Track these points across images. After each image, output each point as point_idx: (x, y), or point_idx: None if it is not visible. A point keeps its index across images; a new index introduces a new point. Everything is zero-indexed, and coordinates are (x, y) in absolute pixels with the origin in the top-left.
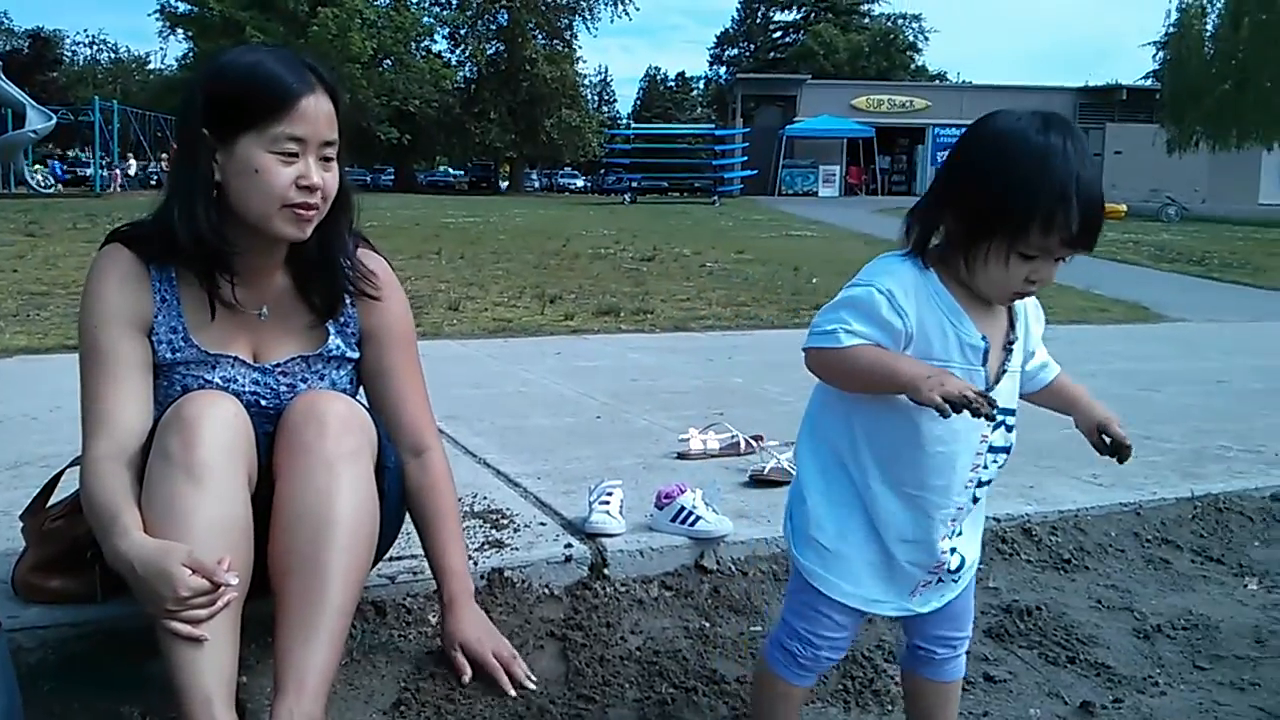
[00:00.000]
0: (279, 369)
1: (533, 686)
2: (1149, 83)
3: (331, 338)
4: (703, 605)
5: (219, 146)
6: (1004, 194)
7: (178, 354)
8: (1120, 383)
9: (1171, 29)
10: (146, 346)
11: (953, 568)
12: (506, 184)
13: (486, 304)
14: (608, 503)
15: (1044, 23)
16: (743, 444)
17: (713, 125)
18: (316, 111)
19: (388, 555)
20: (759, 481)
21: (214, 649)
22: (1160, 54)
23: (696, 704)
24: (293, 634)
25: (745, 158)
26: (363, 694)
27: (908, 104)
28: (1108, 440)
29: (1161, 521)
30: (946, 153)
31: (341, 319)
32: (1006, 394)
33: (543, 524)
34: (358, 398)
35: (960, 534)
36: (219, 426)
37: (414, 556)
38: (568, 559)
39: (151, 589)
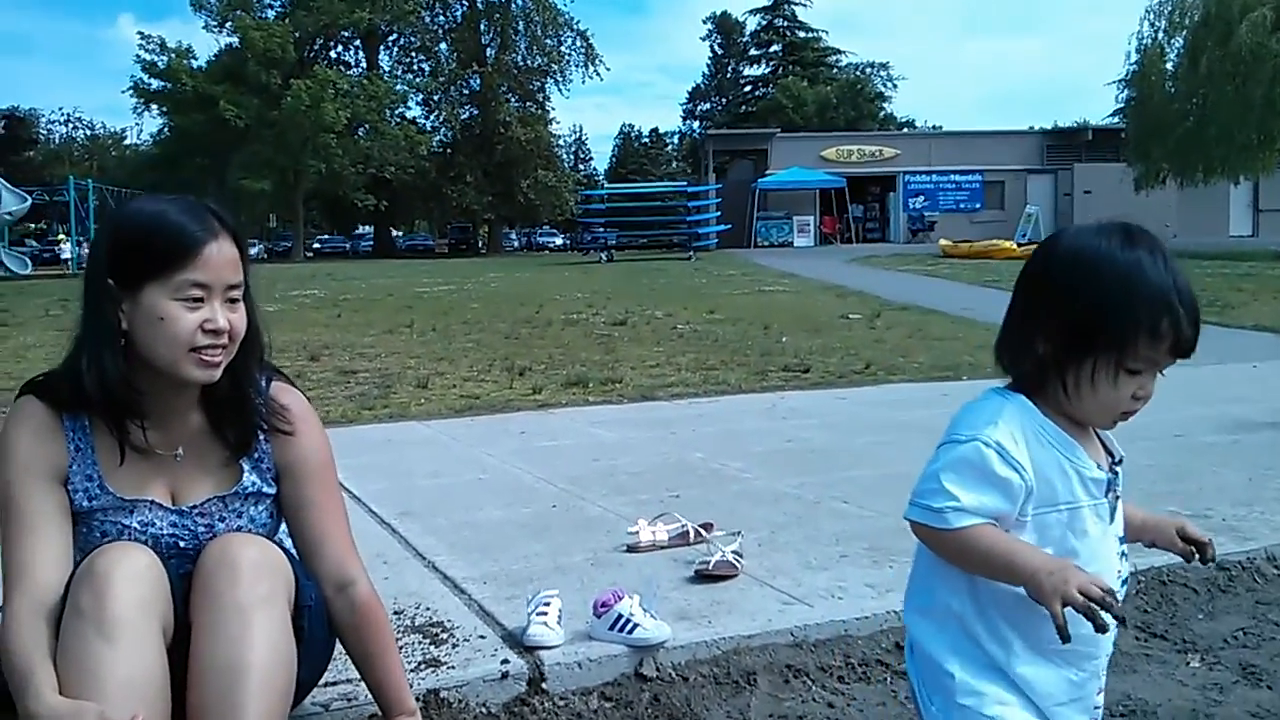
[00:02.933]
0: (196, 510)
1: None
2: (1115, 121)
3: (246, 474)
4: (642, 715)
5: (124, 296)
6: (1108, 308)
7: (94, 501)
8: None
9: (1133, 68)
10: (63, 496)
11: (1098, 704)
12: (485, 245)
13: (455, 379)
14: (545, 613)
15: (1010, 66)
16: (691, 534)
17: (686, 181)
18: (220, 257)
19: (321, 682)
20: (704, 577)
21: None
22: (1124, 93)
23: None
24: None
25: (719, 212)
26: None
27: (877, 153)
28: (1190, 544)
29: None
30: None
31: (256, 455)
32: (1121, 521)
33: (482, 637)
34: (279, 534)
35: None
36: (131, 581)
37: (348, 682)
38: (504, 675)
39: None
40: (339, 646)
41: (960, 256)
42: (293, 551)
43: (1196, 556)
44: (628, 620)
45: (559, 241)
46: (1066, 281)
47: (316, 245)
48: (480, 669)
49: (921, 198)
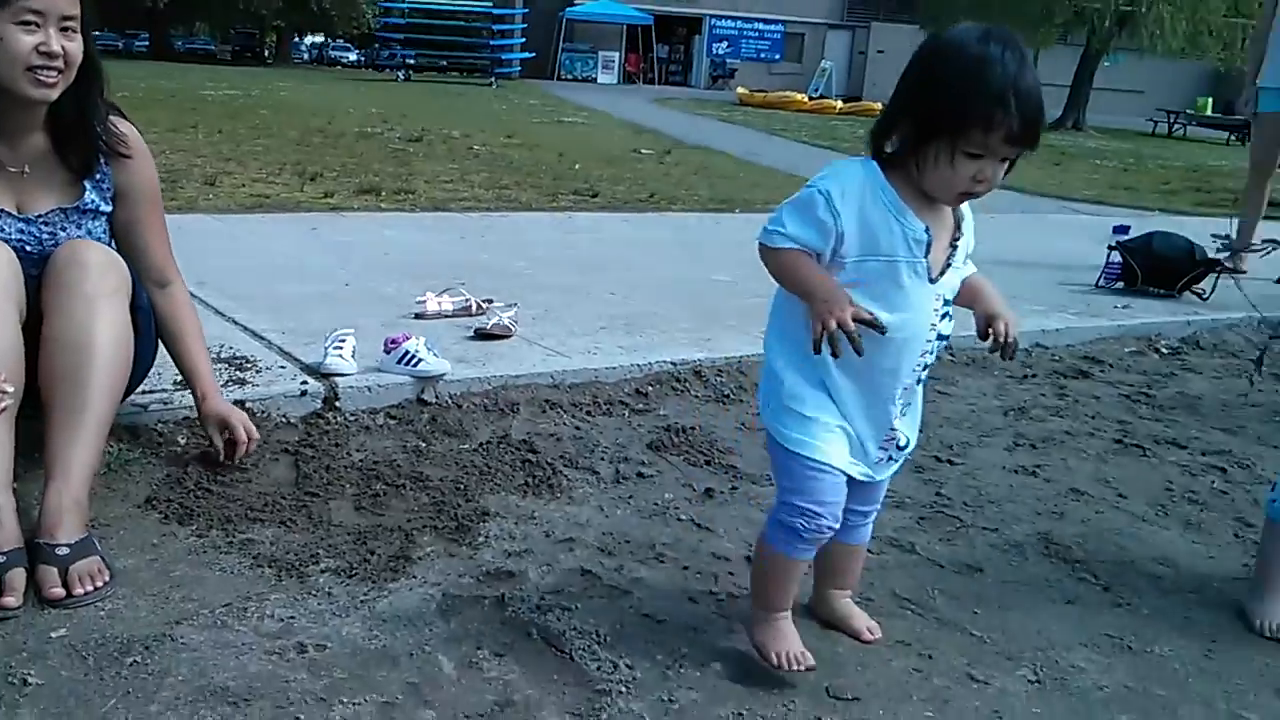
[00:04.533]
0: (41, 219)
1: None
2: None
3: (88, 193)
4: (421, 430)
5: None
6: (948, 96)
7: None
8: None
9: None
10: None
11: (901, 444)
12: (273, 55)
13: (244, 180)
14: (341, 347)
15: None
16: (474, 306)
17: (490, 3)
18: None
19: (141, 388)
20: (482, 335)
21: None
22: None
23: (403, 495)
24: (60, 435)
25: (524, 39)
26: (119, 494)
27: None
28: (990, 333)
29: None
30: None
31: (97, 176)
32: (950, 286)
33: (283, 368)
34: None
35: (905, 415)
36: None
37: (165, 389)
38: (303, 394)
39: None
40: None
41: (756, 105)
42: None
43: (996, 350)
44: (413, 355)
45: (353, 57)
46: (922, 70)
47: None
48: (281, 388)
49: (725, 43)
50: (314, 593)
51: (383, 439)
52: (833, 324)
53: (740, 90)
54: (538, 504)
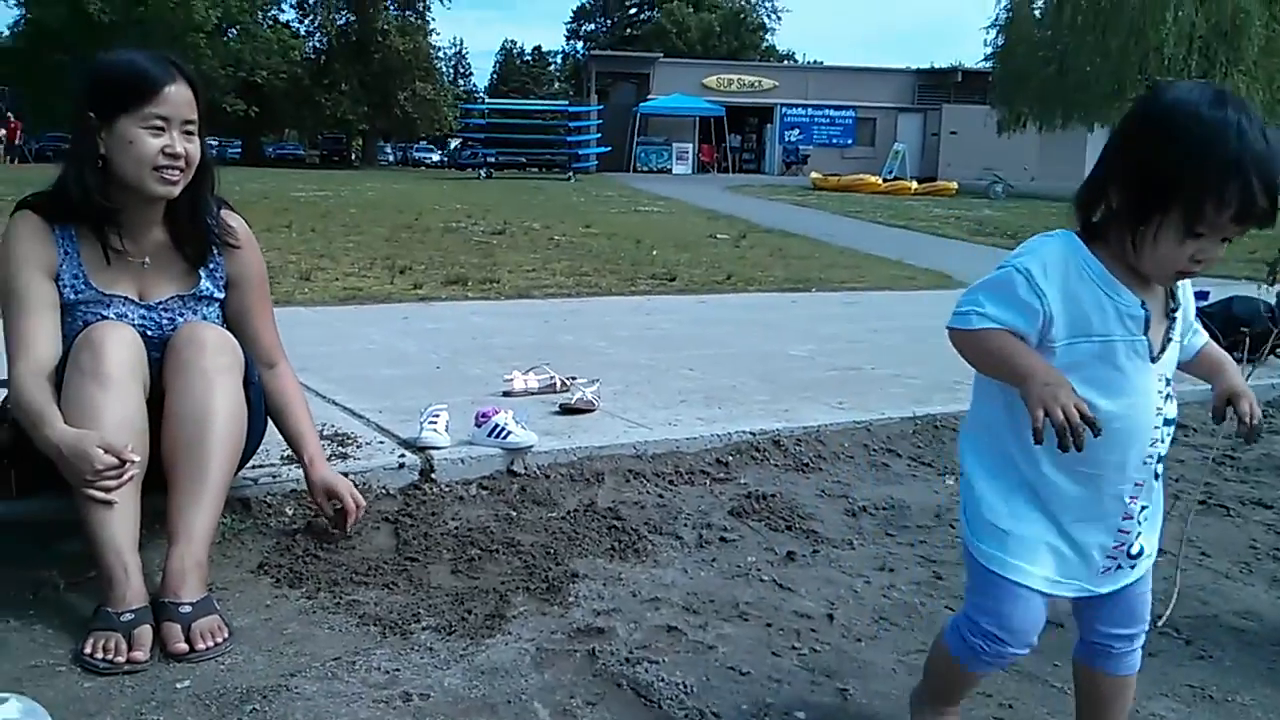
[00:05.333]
0: (161, 306)
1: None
2: (985, 65)
3: (203, 281)
4: (512, 500)
5: (102, 126)
6: (1179, 167)
7: (79, 295)
8: (900, 336)
9: (1004, 14)
10: (54, 289)
11: (1134, 551)
12: (359, 158)
13: (337, 274)
14: (435, 422)
15: (893, 4)
16: (559, 383)
17: (567, 101)
18: (178, 96)
19: (251, 463)
20: (567, 410)
21: (121, 511)
22: (994, 38)
23: (496, 560)
24: (182, 500)
25: (599, 134)
26: (233, 561)
27: (756, 84)
28: (1231, 414)
29: (888, 436)
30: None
31: (211, 265)
32: (1170, 364)
33: (381, 443)
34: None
35: (1145, 519)
36: (121, 346)
37: (273, 464)
38: (401, 466)
39: (74, 465)
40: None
41: (829, 189)
42: None
43: (1236, 428)
44: (503, 429)
45: (436, 158)
46: (1147, 135)
47: None
48: (381, 461)
49: (797, 130)
50: (416, 648)
51: (476, 508)
52: (1058, 411)
53: (814, 175)
54: (624, 567)
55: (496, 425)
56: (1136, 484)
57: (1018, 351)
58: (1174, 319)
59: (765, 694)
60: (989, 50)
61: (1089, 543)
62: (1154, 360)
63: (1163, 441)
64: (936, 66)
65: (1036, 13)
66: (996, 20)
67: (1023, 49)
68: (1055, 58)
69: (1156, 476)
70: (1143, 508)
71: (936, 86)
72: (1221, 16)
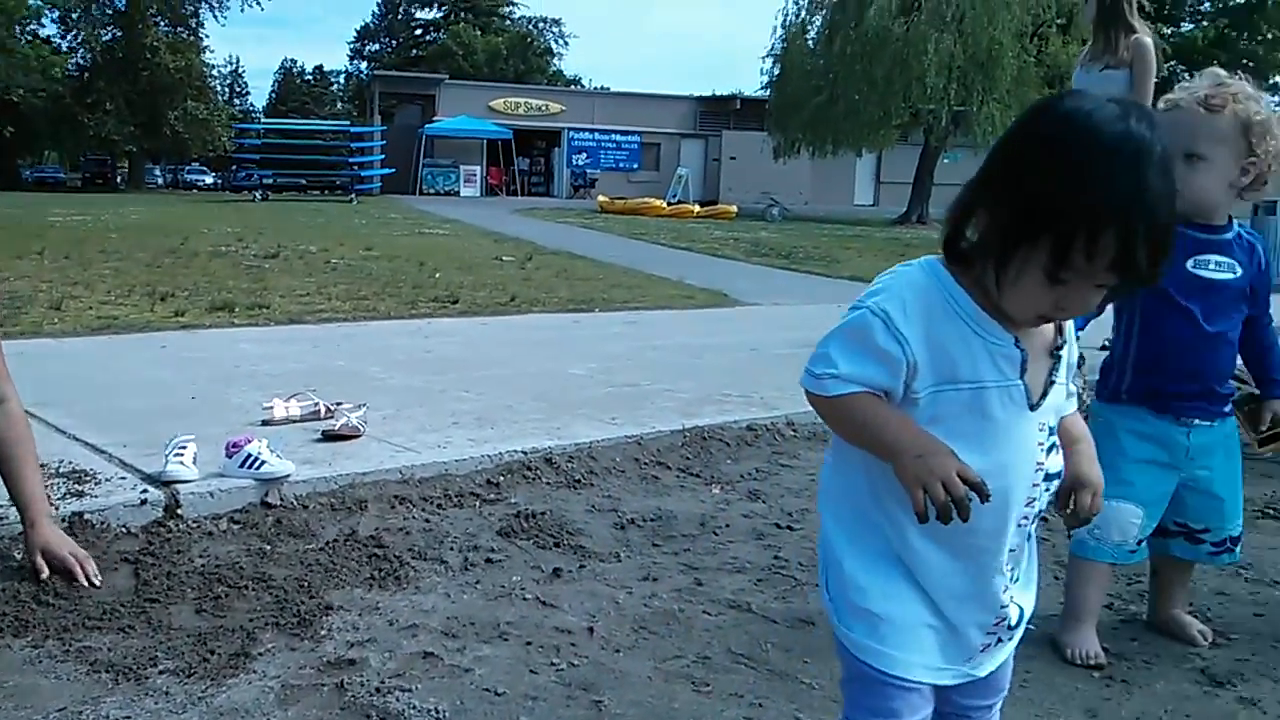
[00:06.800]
0: None
1: (98, 584)
2: (764, 93)
3: None
4: (266, 533)
5: None
6: (1052, 199)
7: None
8: (673, 354)
9: (779, 44)
10: None
11: (1013, 622)
12: (125, 181)
13: (92, 303)
14: (182, 454)
15: (679, 34)
16: (323, 409)
17: (349, 122)
18: None
19: None
20: (330, 437)
21: None
22: (771, 67)
23: (245, 596)
24: None
25: (384, 156)
26: None
27: (544, 107)
28: (1071, 504)
29: (658, 448)
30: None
31: None
32: (1055, 408)
33: (123, 478)
34: None
35: (1018, 580)
36: None
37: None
38: (143, 502)
39: None
40: None
41: (616, 212)
42: None
43: (1067, 516)
44: (255, 458)
45: (210, 180)
46: (1026, 149)
47: None
48: (121, 498)
49: (584, 154)
50: (151, 693)
51: (226, 543)
52: (938, 488)
53: (601, 198)
54: (383, 596)
55: (249, 455)
56: (1012, 549)
57: (882, 422)
58: (1059, 357)
59: (520, 712)
60: (766, 79)
61: (966, 621)
62: (1033, 408)
63: (1040, 500)
64: (717, 94)
65: (809, 43)
66: (773, 50)
67: (796, 78)
68: (826, 87)
69: (1030, 538)
70: (1014, 568)
71: (717, 113)
72: (978, 48)
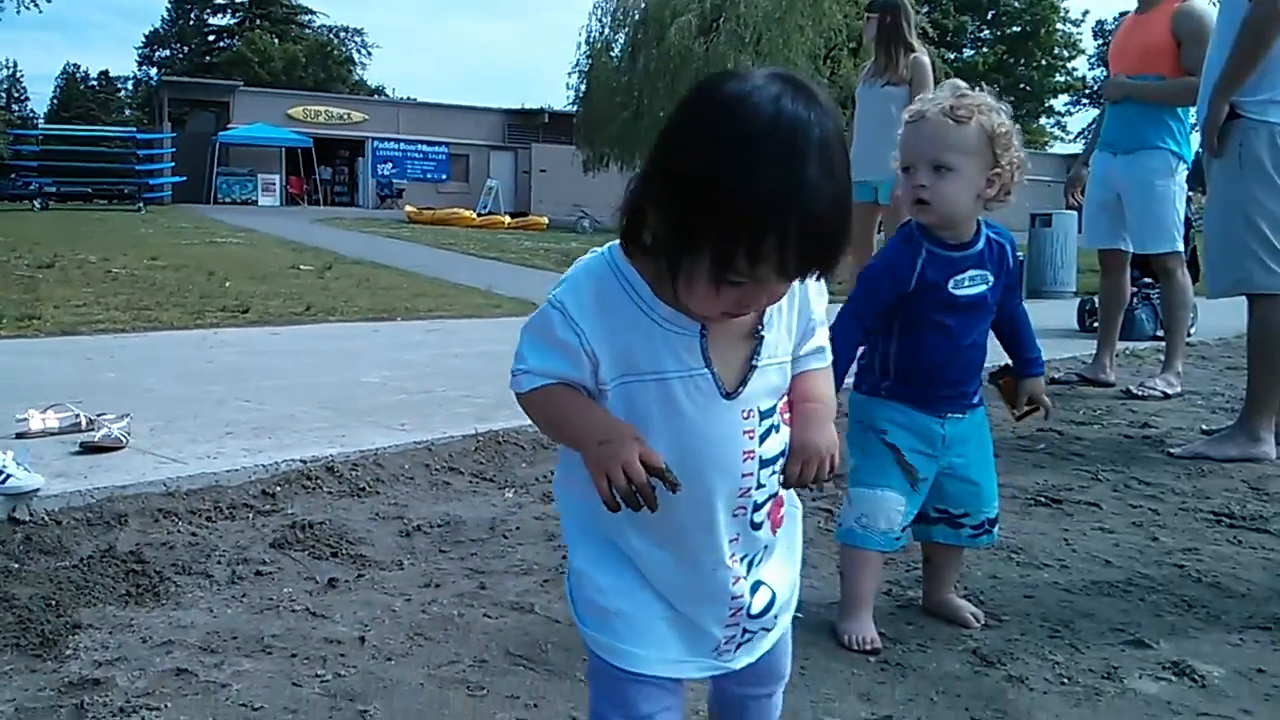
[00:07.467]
0: None
1: None
2: (572, 108)
3: None
4: (14, 551)
5: None
6: (706, 198)
7: None
8: (475, 361)
9: (584, 59)
10: None
11: (756, 610)
12: None
13: None
14: None
15: (483, 47)
16: (84, 421)
17: (134, 129)
18: None
19: None
20: (90, 449)
21: None
22: (577, 82)
23: None
24: None
25: (174, 163)
26: None
27: (346, 116)
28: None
29: (450, 454)
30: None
31: None
32: (764, 392)
33: None
34: None
35: (758, 563)
36: None
37: None
38: None
39: None
40: None
41: (425, 223)
42: None
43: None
44: (1, 471)
45: None
46: (681, 141)
47: None
48: None
49: (390, 165)
50: None
51: None
52: (619, 473)
53: (409, 209)
54: (138, 613)
55: None
56: (732, 539)
57: (570, 412)
58: (760, 338)
59: None
60: (573, 94)
61: (698, 614)
62: (728, 396)
63: (761, 487)
64: (526, 107)
65: (614, 60)
66: (578, 65)
67: (602, 94)
68: (632, 103)
69: (756, 525)
70: (746, 557)
71: (526, 126)
72: (775, 66)
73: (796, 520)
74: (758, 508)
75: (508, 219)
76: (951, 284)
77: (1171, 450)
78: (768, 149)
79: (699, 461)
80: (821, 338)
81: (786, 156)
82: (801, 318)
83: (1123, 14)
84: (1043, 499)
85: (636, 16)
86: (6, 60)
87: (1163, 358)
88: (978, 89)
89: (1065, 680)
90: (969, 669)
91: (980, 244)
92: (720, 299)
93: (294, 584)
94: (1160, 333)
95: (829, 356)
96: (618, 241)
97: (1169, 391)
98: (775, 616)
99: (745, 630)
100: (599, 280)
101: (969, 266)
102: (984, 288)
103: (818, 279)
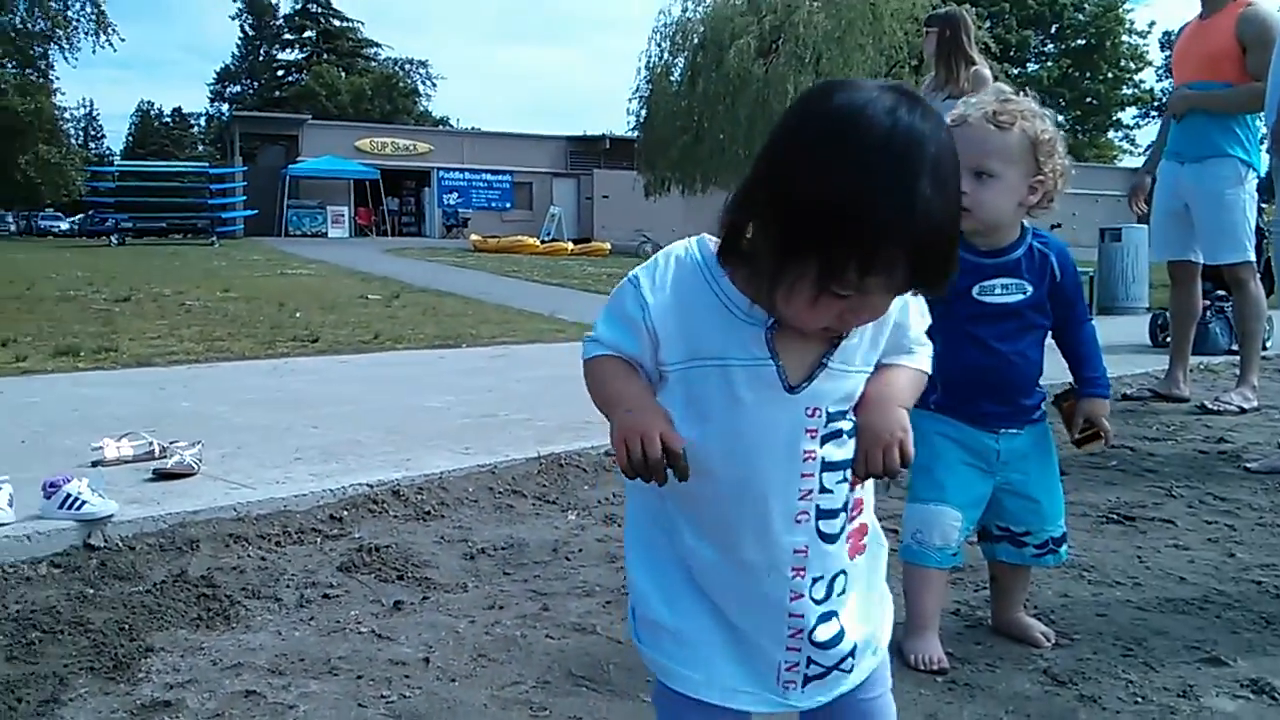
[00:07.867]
0: None
1: None
2: (633, 133)
3: None
4: (89, 576)
5: None
6: (820, 211)
7: None
8: (538, 385)
9: (645, 85)
10: None
11: (822, 639)
12: None
13: None
14: None
15: (545, 75)
16: (157, 449)
17: (207, 163)
18: None
19: None
20: (162, 475)
21: None
22: (637, 108)
23: (60, 641)
24: None
25: (246, 197)
26: None
27: (411, 147)
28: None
29: (513, 477)
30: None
31: None
32: (832, 395)
33: None
34: None
35: (838, 593)
36: None
37: None
38: None
39: None
40: None
41: (489, 251)
42: None
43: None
44: (75, 498)
45: (65, 226)
46: (793, 154)
47: None
48: None
49: (455, 194)
50: None
51: (44, 588)
52: (636, 444)
53: (474, 237)
54: (209, 636)
55: (68, 495)
56: (795, 550)
57: (609, 379)
58: (836, 344)
59: None
60: (633, 120)
61: (757, 628)
62: (791, 390)
63: (826, 490)
64: (588, 134)
65: (674, 85)
66: (639, 91)
67: (662, 118)
68: (692, 127)
69: (828, 538)
70: (817, 580)
71: (587, 153)
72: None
73: (880, 558)
74: (824, 516)
75: (571, 245)
76: (978, 290)
77: (1248, 465)
78: (884, 163)
79: (751, 452)
80: (922, 360)
81: (902, 171)
82: (894, 334)
83: (1188, 22)
84: (1115, 516)
85: (695, 40)
86: (83, 99)
87: (1238, 371)
88: (1022, 93)
89: (1139, 699)
90: (1040, 689)
91: (1018, 252)
92: (821, 310)
93: (360, 606)
94: (1235, 346)
95: (923, 365)
96: (705, 235)
97: (1245, 406)
98: (852, 656)
99: (811, 661)
100: (679, 263)
101: (1000, 274)
102: (1019, 297)
103: (918, 294)
